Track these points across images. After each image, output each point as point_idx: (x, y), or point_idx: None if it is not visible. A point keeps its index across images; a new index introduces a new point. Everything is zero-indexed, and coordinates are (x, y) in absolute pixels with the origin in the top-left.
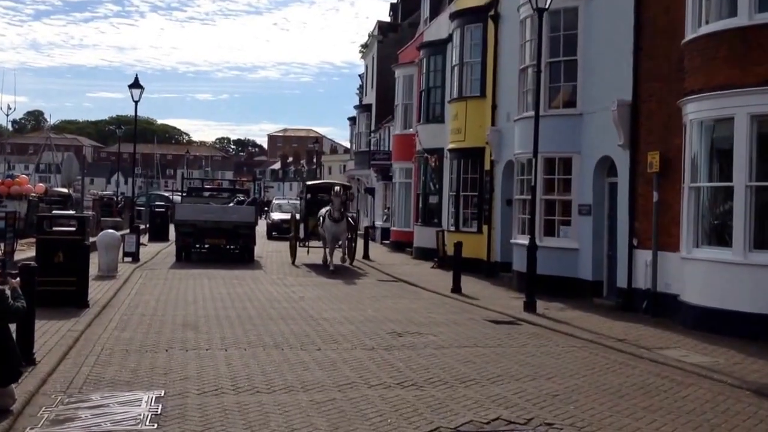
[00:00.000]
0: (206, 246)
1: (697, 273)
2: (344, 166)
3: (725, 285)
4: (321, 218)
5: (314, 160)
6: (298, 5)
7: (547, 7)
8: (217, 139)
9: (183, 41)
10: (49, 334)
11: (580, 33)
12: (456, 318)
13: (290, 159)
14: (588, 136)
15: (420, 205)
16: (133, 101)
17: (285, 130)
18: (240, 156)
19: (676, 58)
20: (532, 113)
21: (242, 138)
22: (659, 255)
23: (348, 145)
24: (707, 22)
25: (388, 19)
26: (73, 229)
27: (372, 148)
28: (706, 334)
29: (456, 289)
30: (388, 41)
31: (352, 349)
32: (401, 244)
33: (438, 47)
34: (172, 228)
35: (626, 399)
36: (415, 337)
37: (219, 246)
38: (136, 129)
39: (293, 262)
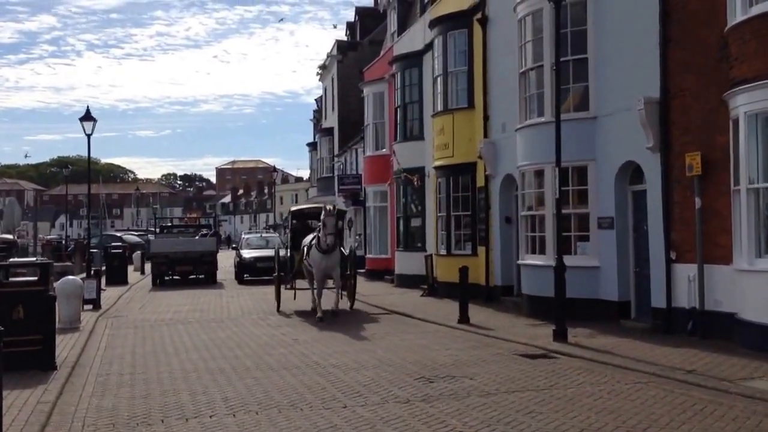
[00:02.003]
0: (177, 275)
1: (763, 287)
2: (296, 195)
3: None
4: (305, 249)
5: (266, 190)
6: (237, 37)
7: None
8: (162, 175)
9: (121, 78)
10: (16, 407)
11: (590, 28)
12: (481, 354)
13: (241, 191)
14: (605, 141)
15: (400, 229)
16: (86, 134)
17: (233, 162)
18: (188, 191)
19: (715, 46)
20: (537, 120)
21: (189, 173)
22: (705, 268)
23: (298, 174)
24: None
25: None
26: (35, 278)
27: (338, 172)
28: None
29: (463, 319)
30: (348, 60)
31: (384, 403)
32: (378, 273)
33: (413, 59)
34: (131, 270)
35: None
36: (450, 382)
37: (188, 272)
38: (90, 166)
39: (278, 309)
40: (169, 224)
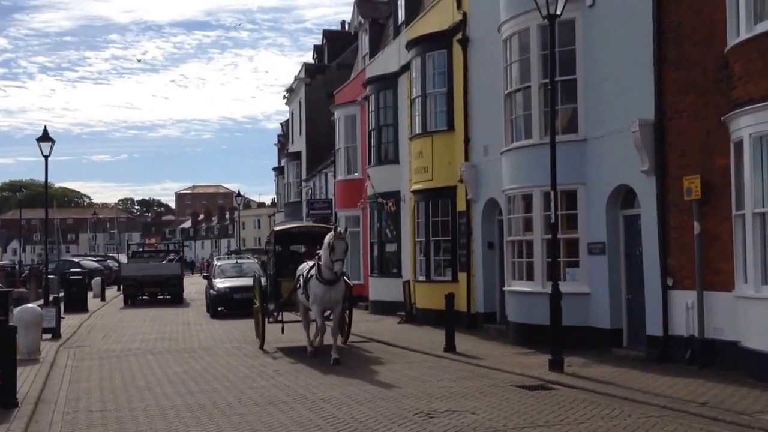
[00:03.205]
0: (146, 296)
1: None
2: (259, 221)
3: None
4: (301, 279)
5: (227, 215)
6: (195, 62)
7: (559, 13)
8: (119, 200)
9: (76, 102)
10: None
11: (579, 48)
12: (476, 386)
13: (201, 216)
14: (596, 164)
15: (375, 254)
16: (43, 156)
17: (193, 187)
18: (146, 216)
19: (713, 66)
20: (524, 142)
21: (146, 198)
22: (705, 295)
23: (260, 199)
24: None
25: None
26: None
27: (306, 197)
28: None
29: (450, 347)
30: (317, 84)
31: None
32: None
33: (387, 81)
34: (90, 296)
35: None
36: (451, 417)
37: (155, 293)
38: (47, 190)
39: (261, 346)
40: (141, 249)
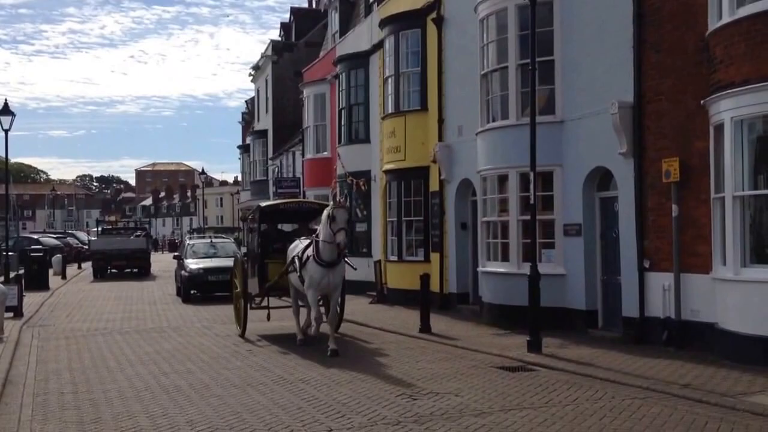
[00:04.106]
0: (114, 269)
1: (748, 297)
2: (221, 199)
3: None
4: (296, 260)
5: (189, 193)
6: (155, 37)
7: None
8: (78, 176)
9: (32, 76)
10: None
11: (557, 29)
12: (456, 367)
13: (162, 194)
14: (573, 146)
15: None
16: (2, 130)
17: (154, 164)
18: (105, 193)
19: (693, 49)
20: (501, 123)
21: (105, 175)
22: (682, 277)
23: (222, 177)
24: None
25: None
26: None
27: (273, 175)
28: None
29: (425, 328)
30: (284, 61)
31: (372, 425)
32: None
33: (359, 60)
34: (51, 274)
35: None
36: (435, 399)
37: (123, 266)
38: (7, 166)
39: (243, 334)
40: (109, 227)
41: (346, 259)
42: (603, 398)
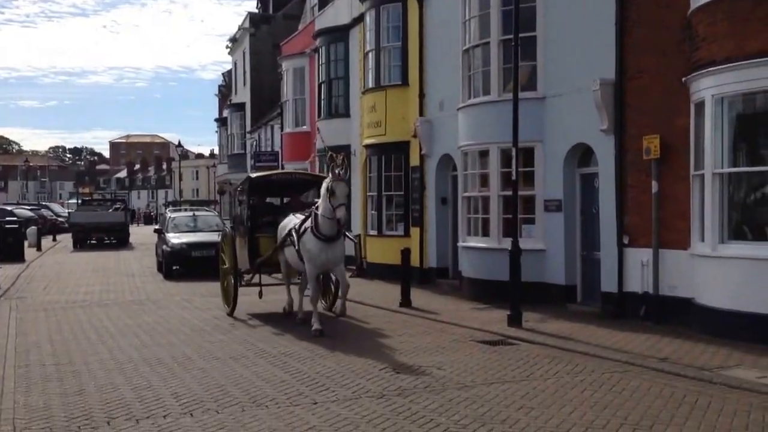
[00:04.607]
0: (93, 240)
1: (726, 273)
2: (197, 172)
3: (765, 285)
4: (293, 233)
5: (164, 166)
6: (128, 7)
7: None
8: (50, 147)
9: (2, 45)
10: None
11: (540, 4)
12: (437, 341)
13: (137, 166)
14: (554, 123)
15: None
16: None
17: (128, 136)
18: (78, 165)
19: (676, 27)
20: (482, 99)
21: (78, 146)
22: (660, 253)
23: (198, 150)
24: None
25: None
26: None
27: (252, 149)
28: (751, 345)
29: (406, 302)
30: (261, 34)
31: (357, 398)
32: None
33: (338, 34)
34: (26, 245)
35: None
36: (418, 374)
37: (102, 238)
38: None
39: (231, 313)
40: (89, 199)
41: (346, 233)
42: (583, 372)
